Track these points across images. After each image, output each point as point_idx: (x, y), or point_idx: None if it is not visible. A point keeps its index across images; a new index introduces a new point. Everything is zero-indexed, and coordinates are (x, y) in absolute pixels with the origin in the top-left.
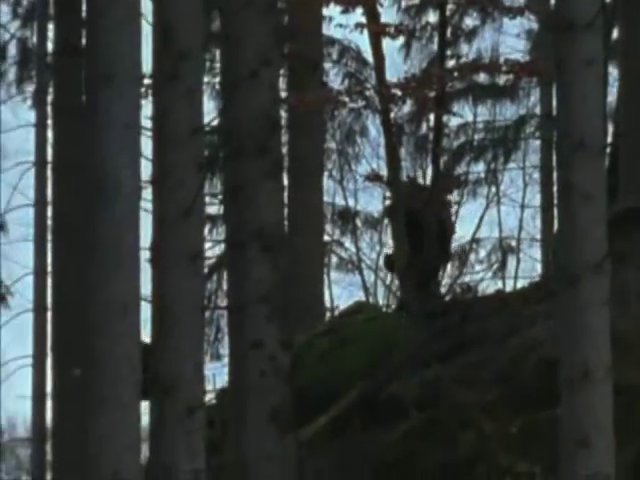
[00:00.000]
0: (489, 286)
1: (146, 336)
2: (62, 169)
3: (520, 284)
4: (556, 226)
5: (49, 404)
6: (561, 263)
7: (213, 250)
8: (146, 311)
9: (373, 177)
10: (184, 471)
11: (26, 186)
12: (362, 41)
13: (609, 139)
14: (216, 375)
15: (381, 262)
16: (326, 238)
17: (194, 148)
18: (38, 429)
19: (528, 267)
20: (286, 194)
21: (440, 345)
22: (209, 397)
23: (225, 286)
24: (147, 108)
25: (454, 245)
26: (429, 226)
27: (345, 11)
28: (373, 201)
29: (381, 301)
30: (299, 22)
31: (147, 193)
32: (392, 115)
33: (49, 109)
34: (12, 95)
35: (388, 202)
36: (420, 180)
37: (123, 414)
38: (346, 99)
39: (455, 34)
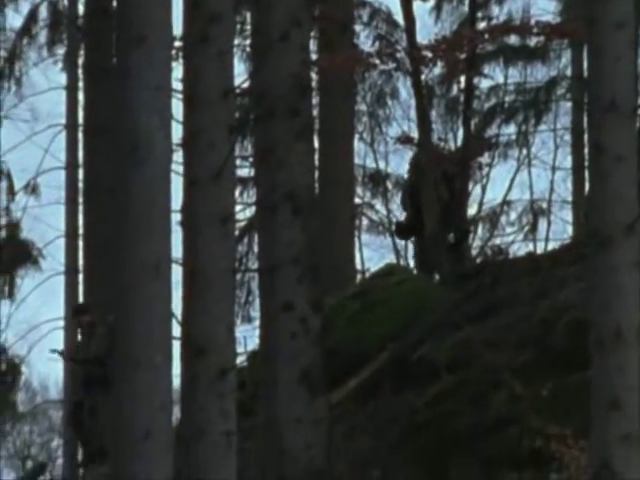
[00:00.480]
0: (520, 248)
1: (178, 298)
2: (93, 132)
3: (551, 246)
4: (587, 188)
5: None
6: (592, 225)
7: (244, 213)
8: (177, 274)
9: (404, 139)
10: (216, 433)
11: (57, 149)
12: (393, 3)
13: None
14: (247, 337)
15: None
16: (357, 200)
17: (225, 111)
18: (70, 391)
19: (559, 229)
20: (317, 157)
21: (471, 307)
22: (240, 359)
23: (256, 248)
24: (178, 70)
25: (485, 208)
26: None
27: None
28: (404, 163)
29: (412, 263)
30: None
31: (178, 156)
32: (423, 77)
33: (80, 72)
34: (43, 58)
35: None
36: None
37: (156, 375)
38: (377, 61)
39: None
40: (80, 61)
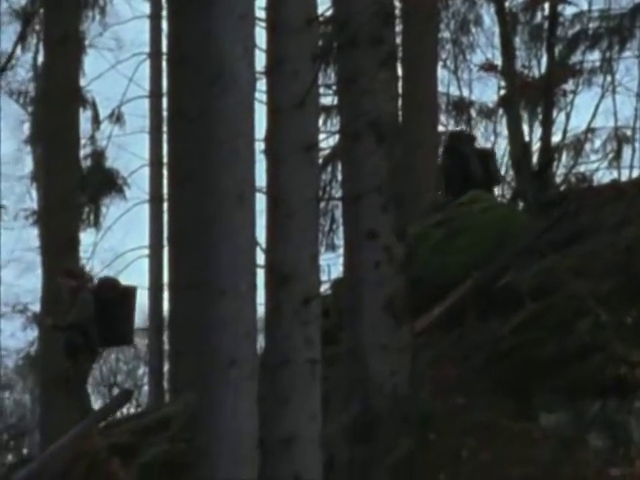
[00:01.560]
0: (604, 176)
1: (261, 227)
2: (177, 60)
3: (635, 174)
4: None
5: (166, 294)
6: None
7: (327, 141)
8: (261, 202)
9: (487, 67)
10: (300, 361)
11: (142, 77)
12: None
13: None
14: (331, 266)
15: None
16: (440, 128)
17: (308, 39)
18: (155, 319)
19: None
20: (400, 84)
21: (555, 235)
22: (324, 288)
23: (340, 177)
24: None
25: (569, 135)
26: None
27: None
28: (487, 91)
29: (496, 191)
30: None
31: (261, 84)
32: (507, 4)
33: (164, 0)
34: None
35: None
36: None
37: (241, 303)
38: None
39: None
40: None
